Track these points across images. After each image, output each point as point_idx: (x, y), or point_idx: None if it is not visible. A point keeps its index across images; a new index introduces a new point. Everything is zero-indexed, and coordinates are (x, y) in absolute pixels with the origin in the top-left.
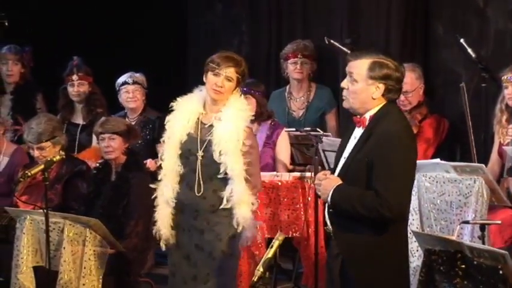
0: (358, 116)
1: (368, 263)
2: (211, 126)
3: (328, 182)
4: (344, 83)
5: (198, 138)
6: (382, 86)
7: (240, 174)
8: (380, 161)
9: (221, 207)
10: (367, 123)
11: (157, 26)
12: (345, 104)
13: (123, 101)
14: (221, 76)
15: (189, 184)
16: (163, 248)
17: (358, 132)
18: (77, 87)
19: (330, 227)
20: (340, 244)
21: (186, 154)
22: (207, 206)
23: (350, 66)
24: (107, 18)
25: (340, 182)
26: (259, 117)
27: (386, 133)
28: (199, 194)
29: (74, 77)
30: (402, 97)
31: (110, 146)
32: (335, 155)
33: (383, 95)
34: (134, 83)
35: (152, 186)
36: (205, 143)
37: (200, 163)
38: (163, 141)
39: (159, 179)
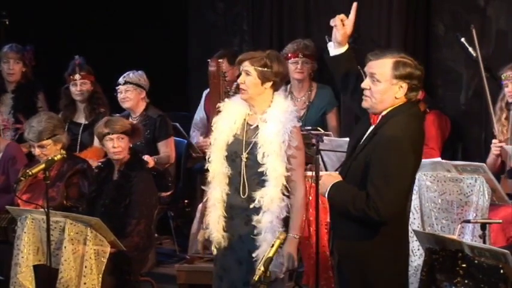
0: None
1: (362, 264)
2: (256, 127)
3: (328, 178)
4: (365, 84)
5: (244, 140)
6: (405, 86)
7: (278, 178)
8: (375, 164)
9: (250, 206)
10: (377, 121)
11: (158, 25)
12: (365, 104)
13: (119, 100)
14: (242, 73)
15: (237, 188)
16: (215, 251)
17: (370, 129)
18: (80, 86)
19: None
20: (336, 243)
21: (232, 156)
22: (255, 212)
23: (371, 66)
24: (108, 17)
25: (339, 179)
26: None
27: (387, 136)
28: (244, 196)
29: (77, 76)
30: None
31: (119, 147)
32: (346, 153)
33: (405, 95)
34: (125, 83)
35: (204, 188)
36: (251, 145)
37: (244, 165)
38: (210, 143)
39: (207, 181)
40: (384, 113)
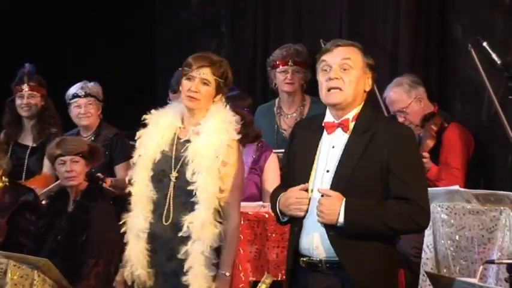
0: (334, 121)
1: (380, 279)
2: (187, 141)
3: (332, 201)
4: (335, 73)
5: (173, 156)
6: (371, 77)
7: (210, 199)
8: (403, 165)
9: (178, 235)
10: (351, 125)
11: (120, 28)
12: (335, 98)
13: (74, 117)
14: (195, 79)
15: (161, 214)
16: None
17: (338, 138)
18: (27, 99)
19: (318, 257)
20: (350, 268)
21: (159, 176)
22: (182, 242)
23: (341, 52)
24: (61, 22)
25: (342, 197)
26: (244, 138)
27: (402, 133)
28: (167, 223)
29: (24, 86)
30: (401, 118)
31: (73, 171)
32: (298, 171)
33: (370, 89)
34: (87, 95)
35: (121, 222)
36: (180, 161)
37: (173, 186)
38: (133, 162)
39: (129, 208)
40: (355, 113)
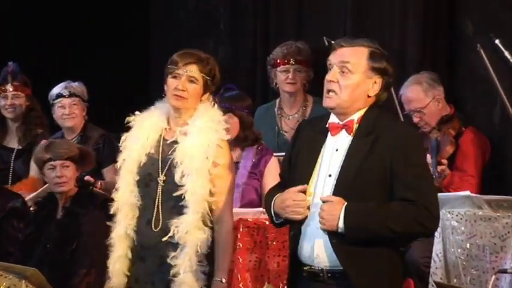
0: (339, 122)
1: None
2: (175, 142)
3: (333, 206)
4: (332, 76)
5: (160, 158)
6: (380, 82)
7: (199, 202)
8: (408, 166)
9: (163, 239)
10: (355, 127)
11: (119, 28)
12: (330, 103)
13: (57, 118)
14: (182, 77)
15: (150, 220)
16: None
17: (341, 140)
18: (11, 99)
19: (319, 266)
20: (355, 277)
21: (146, 180)
22: (172, 248)
23: (343, 54)
24: (61, 22)
25: (343, 201)
26: (244, 141)
27: (406, 134)
28: (157, 229)
29: (8, 86)
30: (416, 118)
31: (63, 176)
32: (299, 173)
33: (376, 94)
34: (71, 95)
35: (109, 224)
36: (168, 163)
37: (161, 190)
38: (119, 166)
39: (112, 213)
40: (360, 115)
